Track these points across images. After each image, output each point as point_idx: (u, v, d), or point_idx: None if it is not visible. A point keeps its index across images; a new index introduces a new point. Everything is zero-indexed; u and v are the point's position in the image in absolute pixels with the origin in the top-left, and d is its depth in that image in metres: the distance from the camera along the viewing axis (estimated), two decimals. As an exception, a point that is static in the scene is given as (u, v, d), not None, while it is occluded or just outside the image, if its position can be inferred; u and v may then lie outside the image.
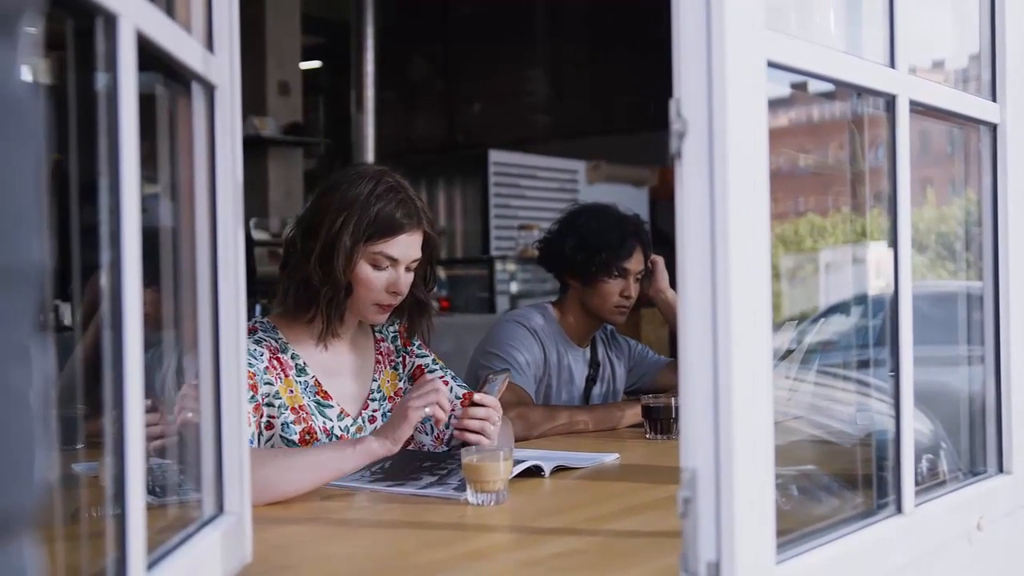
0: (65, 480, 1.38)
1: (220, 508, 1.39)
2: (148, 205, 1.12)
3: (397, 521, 1.81)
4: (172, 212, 1.42)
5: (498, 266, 7.60)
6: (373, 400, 2.36)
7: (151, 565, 1.11)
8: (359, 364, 2.36)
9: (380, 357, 2.41)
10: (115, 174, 1.03)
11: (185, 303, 1.40)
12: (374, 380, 2.38)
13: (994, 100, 1.84)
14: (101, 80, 1.04)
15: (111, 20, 1.01)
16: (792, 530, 1.35)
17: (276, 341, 2.25)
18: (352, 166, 2.33)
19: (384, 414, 2.35)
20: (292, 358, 2.25)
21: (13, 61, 0.58)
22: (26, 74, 0.60)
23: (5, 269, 0.57)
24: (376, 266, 2.22)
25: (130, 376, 1.03)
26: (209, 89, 1.37)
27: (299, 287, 2.23)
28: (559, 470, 2.21)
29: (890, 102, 1.54)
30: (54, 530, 1.10)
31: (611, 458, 2.38)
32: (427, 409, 2.00)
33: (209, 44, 1.37)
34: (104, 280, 1.03)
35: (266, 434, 2.15)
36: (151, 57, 1.14)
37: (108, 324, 1.02)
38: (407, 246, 2.24)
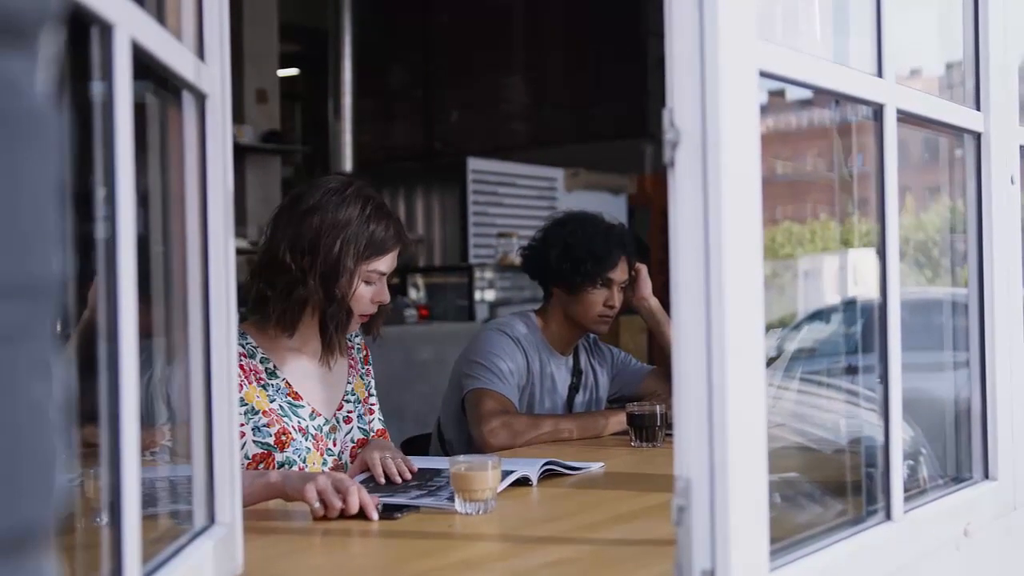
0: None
1: (211, 519, 1.39)
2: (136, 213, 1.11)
3: (387, 531, 1.80)
4: (161, 221, 1.41)
5: (477, 274, 7.58)
6: (348, 401, 2.43)
7: (145, 577, 1.10)
8: (331, 368, 2.41)
9: (352, 362, 2.49)
10: (111, 183, 1.02)
11: (175, 313, 1.39)
12: (348, 383, 2.45)
13: (978, 109, 1.86)
14: (96, 88, 1.03)
15: (107, 29, 1.01)
16: (784, 537, 1.35)
17: (244, 346, 2.28)
18: (323, 181, 2.33)
19: (359, 415, 2.44)
20: (262, 362, 2.30)
21: (33, 73, 0.58)
22: (45, 86, 0.60)
23: (26, 282, 0.57)
24: (368, 282, 2.31)
25: (125, 387, 1.02)
26: (200, 98, 1.36)
27: (297, 306, 2.27)
28: (548, 475, 2.22)
29: (878, 111, 1.55)
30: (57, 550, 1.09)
31: (597, 466, 2.39)
32: (316, 505, 1.85)
33: (200, 53, 1.37)
34: (99, 289, 1.03)
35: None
36: (143, 66, 1.13)
37: (104, 335, 1.02)
38: (393, 260, 2.35)
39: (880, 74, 1.55)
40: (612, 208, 7.54)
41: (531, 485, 2.15)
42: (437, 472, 2.21)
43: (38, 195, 0.58)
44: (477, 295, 7.54)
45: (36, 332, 0.58)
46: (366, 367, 2.54)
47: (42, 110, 0.59)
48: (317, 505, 1.86)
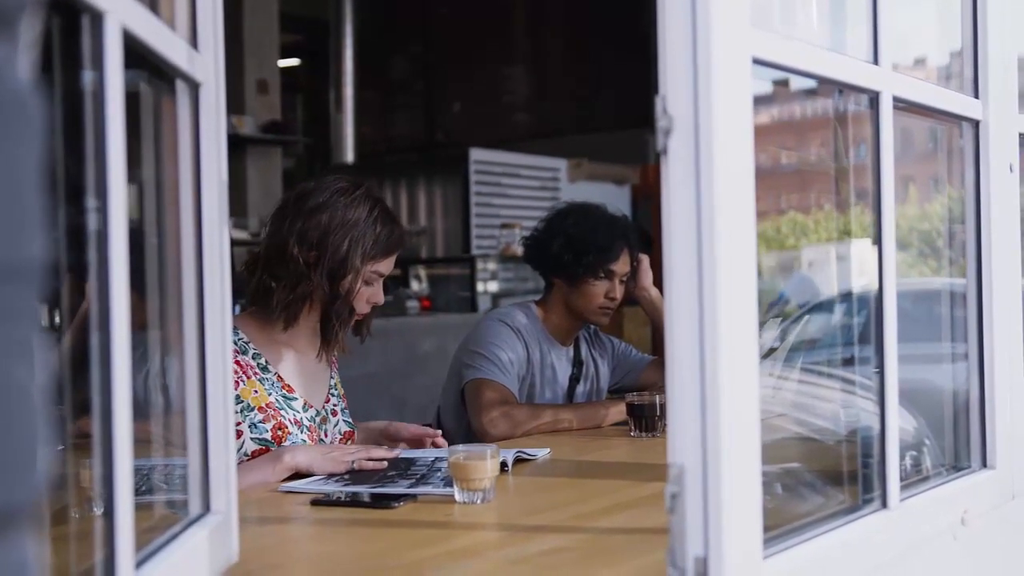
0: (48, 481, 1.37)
1: (207, 507, 1.39)
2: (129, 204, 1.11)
3: (384, 520, 1.81)
4: (155, 211, 1.41)
5: (479, 265, 7.58)
6: (333, 395, 2.49)
7: (139, 564, 1.10)
8: (317, 363, 2.45)
9: (334, 359, 2.54)
10: (102, 173, 1.02)
11: (169, 304, 1.39)
12: (332, 377, 2.51)
13: (976, 96, 1.85)
14: (87, 77, 1.03)
15: (97, 17, 1.00)
16: (779, 525, 1.35)
17: (236, 343, 2.31)
18: (330, 180, 2.36)
19: (343, 409, 2.50)
20: (253, 358, 2.33)
21: (13, 59, 0.58)
22: (26, 71, 0.60)
23: (9, 265, 0.57)
24: (368, 282, 2.36)
25: (118, 376, 1.02)
26: (194, 87, 1.36)
27: (300, 300, 2.32)
28: (518, 462, 2.26)
29: (874, 99, 1.55)
30: (41, 529, 1.09)
31: (544, 452, 2.43)
32: (355, 465, 2.16)
33: (194, 42, 1.36)
34: (91, 281, 1.03)
35: (235, 443, 2.20)
36: (136, 55, 1.13)
37: (96, 325, 1.02)
38: (392, 263, 2.41)
39: (876, 61, 1.54)
40: (616, 199, 7.54)
41: (507, 471, 2.16)
42: (412, 461, 2.23)
43: (19, 179, 0.58)
44: (479, 286, 7.54)
45: (17, 314, 0.58)
46: (336, 369, 2.59)
47: (23, 95, 0.59)
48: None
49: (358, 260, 2.30)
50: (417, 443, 2.46)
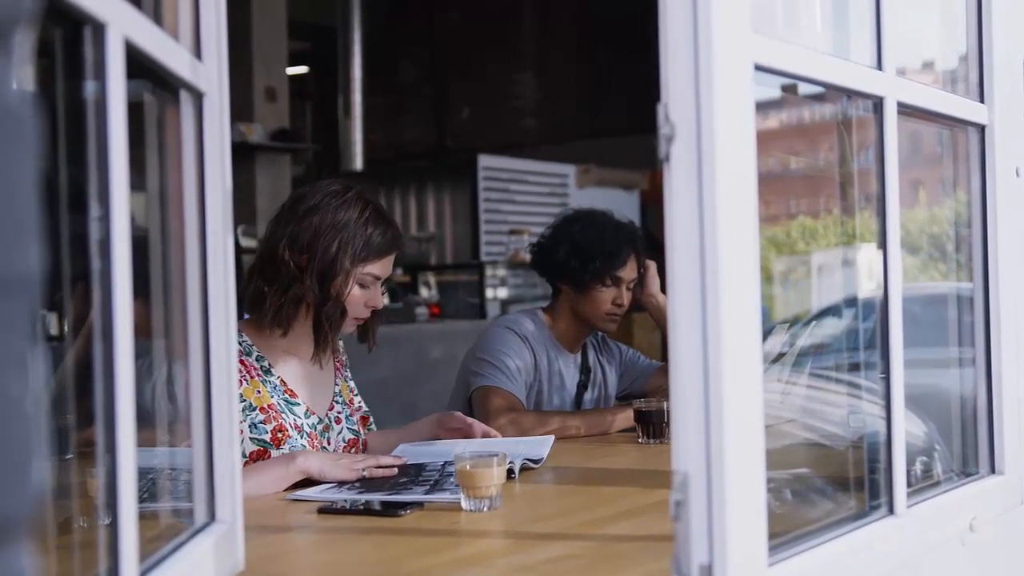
0: (55, 490, 1.38)
1: (212, 516, 1.39)
2: (135, 213, 1.12)
3: (390, 528, 1.81)
4: (160, 220, 1.41)
5: (488, 271, 7.58)
6: (337, 402, 2.48)
7: (143, 573, 1.11)
8: (321, 370, 2.46)
9: (338, 366, 2.54)
10: (104, 182, 1.02)
11: (174, 312, 1.40)
12: (336, 384, 2.50)
13: (982, 101, 1.85)
14: (89, 88, 1.04)
15: (99, 28, 1.01)
16: (785, 532, 1.35)
17: (240, 344, 2.31)
18: (323, 184, 2.38)
19: (347, 416, 2.49)
20: (257, 360, 2.34)
21: (8, 71, 0.58)
22: (21, 83, 0.60)
23: (4, 278, 0.57)
24: (362, 285, 2.35)
25: (121, 385, 1.02)
26: (197, 97, 1.37)
27: (292, 304, 2.31)
28: (524, 469, 2.26)
29: (878, 104, 1.55)
30: (46, 539, 1.10)
31: (548, 441, 2.46)
32: (365, 472, 2.16)
33: (197, 52, 1.37)
34: (94, 290, 1.03)
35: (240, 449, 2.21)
36: (139, 65, 1.13)
37: (99, 334, 1.02)
38: (388, 265, 2.39)
39: (880, 67, 1.54)
40: (625, 204, 7.53)
41: (514, 479, 2.15)
42: (422, 467, 2.23)
43: (14, 192, 0.58)
44: (489, 293, 7.54)
45: (13, 327, 0.58)
46: (347, 371, 2.59)
47: (17, 108, 0.59)
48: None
49: (347, 261, 2.30)
50: (467, 434, 2.49)
